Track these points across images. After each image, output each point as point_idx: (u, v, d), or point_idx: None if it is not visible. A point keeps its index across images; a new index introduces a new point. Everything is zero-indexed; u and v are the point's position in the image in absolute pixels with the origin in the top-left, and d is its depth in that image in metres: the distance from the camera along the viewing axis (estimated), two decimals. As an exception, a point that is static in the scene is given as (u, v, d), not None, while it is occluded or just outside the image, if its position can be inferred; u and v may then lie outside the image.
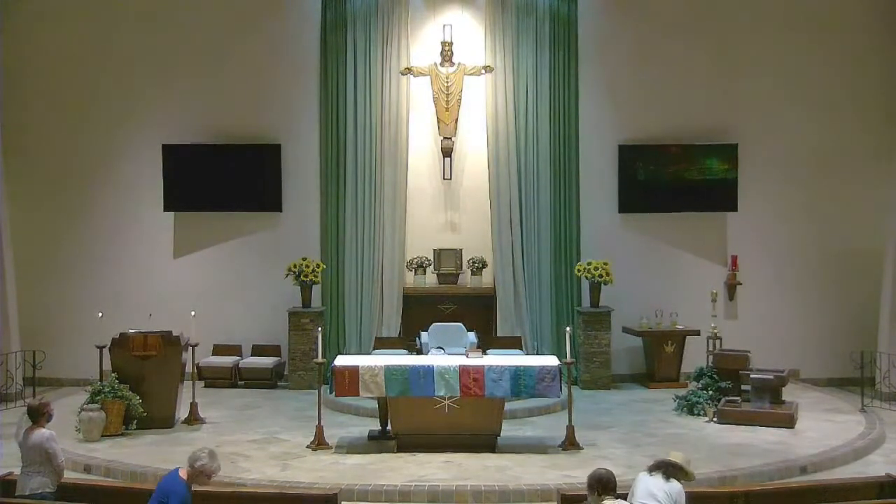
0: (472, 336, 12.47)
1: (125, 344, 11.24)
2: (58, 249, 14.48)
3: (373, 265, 14.25)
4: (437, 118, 14.27)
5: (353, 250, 14.27)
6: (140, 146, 14.51)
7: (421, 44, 14.40)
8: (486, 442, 10.28)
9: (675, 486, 6.21)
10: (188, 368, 11.78)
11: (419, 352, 12.41)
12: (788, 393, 12.02)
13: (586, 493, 6.10)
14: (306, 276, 13.68)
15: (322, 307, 14.06)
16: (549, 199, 14.25)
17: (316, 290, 14.02)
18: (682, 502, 6.24)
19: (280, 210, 14.46)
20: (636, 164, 14.53)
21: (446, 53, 14.20)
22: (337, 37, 14.27)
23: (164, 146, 14.31)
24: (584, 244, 14.31)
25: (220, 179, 14.35)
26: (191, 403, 11.58)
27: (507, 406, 10.96)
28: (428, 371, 10.22)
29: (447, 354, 11.12)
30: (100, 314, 11.49)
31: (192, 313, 11.53)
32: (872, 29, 14.39)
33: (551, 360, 10.70)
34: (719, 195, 14.42)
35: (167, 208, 14.41)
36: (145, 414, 11.01)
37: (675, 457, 6.42)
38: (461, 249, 14.33)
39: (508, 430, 10.84)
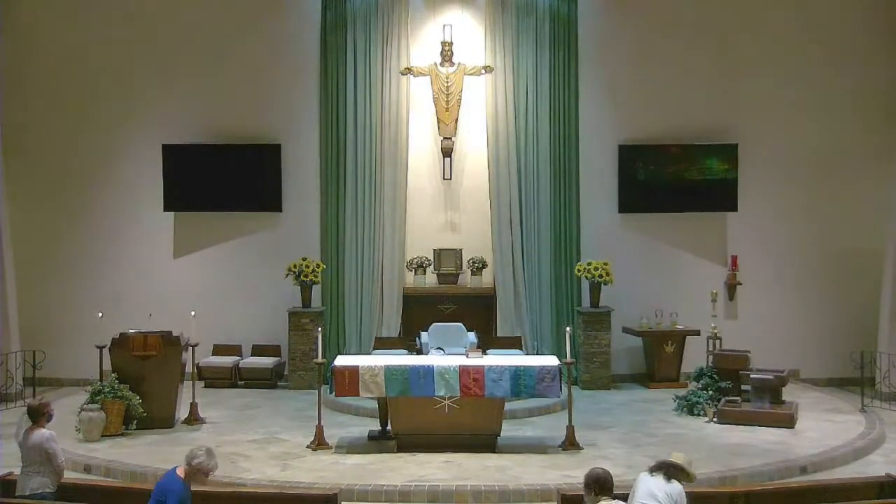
0: (472, 336, 12.46)
1: (125, 344, 11.24)
2: (58, 249, 14.48)
3: (373, 265, 14.25)
4: (437, 118, 14.27)
5: (353, 250, 14.27)
6: (140, 146, 14.51)
7: (421, 44, 14.40)
8: (486, 442, 10.28)
9: (676, 486, 6.20)
10: (188, 368, 11.78)
11: (419, 352, 12.41)
12: (788, 393, 12.02)
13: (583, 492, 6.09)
14: (306, 276, 13.68)
15: (322, 307, 14.06)
16: (549, 199, 14.25)
17: (316, 290, 14.03)
18: (683, 503, 6.23)
19: (280, 210, 14.46)
20: (636, 164, 14.53)
21: (446, 53, 14.20)
22: (337, 37, 14.27)
23: (164, 146, 14.31)
24: (584, 244, 14.31)
25: (220, 179, 14.36)
26: (191, 403, 11.58)
27: (507, 406, 10.96)
28: (428, 371, 10.22)
29: (447, 355, 11.12)
30: (100, 314, 11.50)
31: (192, 313, 11.54)
32: (872, 29, 14.39)
33: (551, 360, 10.70)
34: (719, 195, 14.42)
35: (167, 208, 14.42)
36: (145, 414, 11.01)
37: (677, 458, 6.41)
38: (461, 249, 14.33)
39: (508, 430, 10.84)
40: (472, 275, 14.25)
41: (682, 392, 12.34)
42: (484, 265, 14.25)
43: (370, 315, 14.20)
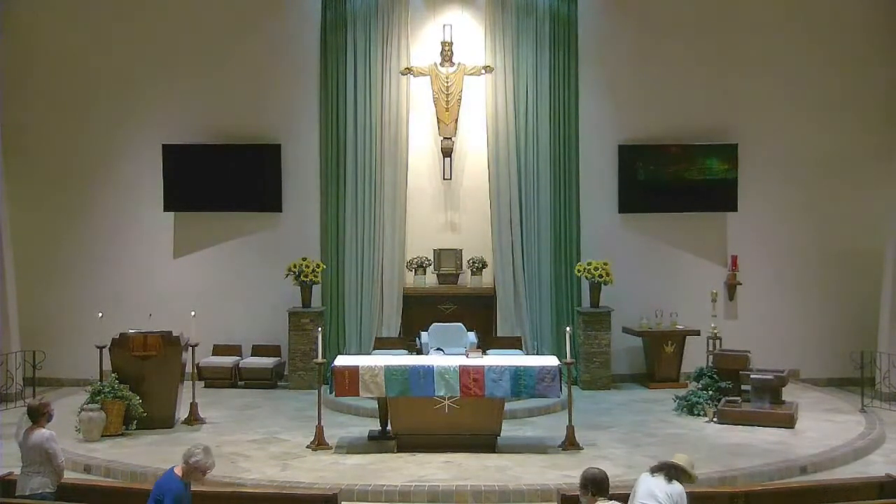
0: (472, 336, 12.45)
1: (125, 344, 11.24)
2: (58, 249, 14.48)
3: (373, 265, 14.24)
4: (437, 118, 14.27)
5: (353, 250, 14.27)
6: (140, 146, 14.51)
7: (421, 44, 14.40)
8: (486, 442, 10.28)
9: (677, 487, 6.20)
10: (188, 368, 11.78)
11: (419, 352, 12.41)
12: (788, 393, 12.02)
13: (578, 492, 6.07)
14: (306, 276, 13.68)
15: (322, 307, 14.06)
16: (549, 199, 14.25)
17: (316, 290, 14.02)
18: None
19: (280, 210, 14.46)
20: (636, 164, 14.53)
21: (446, 53, 14.19)
22: (337, 37, 14.27)
23: (164, 146, 14.31)
24: (584, 244, 14.31)
25: (220, 179, 14.35)
26: (191, 403, 11.58)
27: (507, 406, 10.96)
28: (428, 371, 10.22)
29: (447, 355, 11.11)
30: (100, 314, 11.50)
31: (192, 313, 11.53)
32: (872, 29, 14.39)
33: (551, 360, 10.71)
34: (719, 195, 14.41)
35: (167, 208, 14.42)
36: (145, 414, 11.01)
37: (679, 459, 6.41)
38: (461, 249, 14.33)
39: (508, 430, 10.84)
40: (472, 275, 14.25)
41: (682, 392, 12.34)
42: (484, 265, 14.24)
43: (370, 315, 14.20)
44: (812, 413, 11.98)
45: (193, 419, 11.54)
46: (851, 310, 14.17)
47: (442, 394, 10.22)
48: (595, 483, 5.92)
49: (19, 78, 14.25)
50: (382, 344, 13.40)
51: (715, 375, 12.07)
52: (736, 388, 11.88)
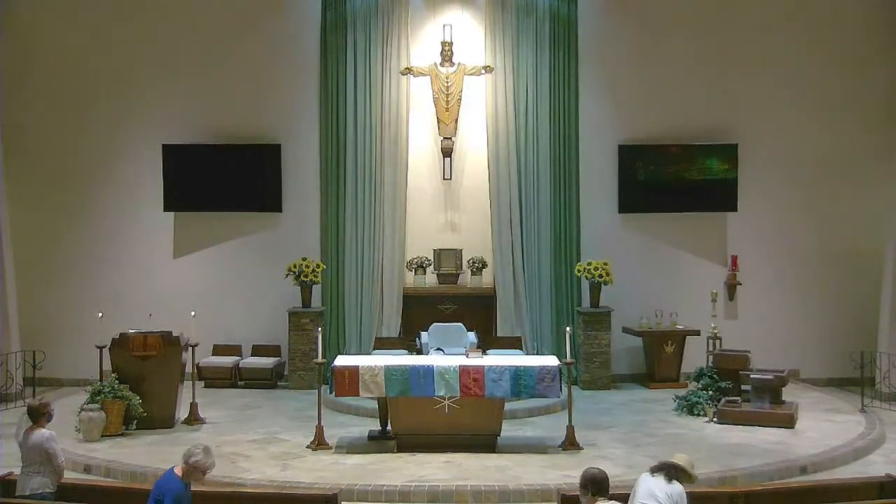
0: (472, 336, 12.46)
1: (125, 344, 11.24)
2: (58, 249, 14.48)
3: (373, 265, 14.24)
4: (437, 118, 14.27)
5: (353, 250, 14.27)
6: (140, 146, 14.51)
7: (421, 44, 14.40)
8: (486, 442, 10.28)
9: (677, 487, 6.20)
10: (188, 368, 11.78)
11: (419, 352, 12.41)
12: (788, 393, 12.02)
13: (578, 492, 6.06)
14: (306, 276, 13.68)
15: (322, 307, 14.06)
16: (549, 199, 14.25)
17: (316, 290, 14.03)
18: (683, 504, 6.24)
19: (280, 210, 14.46)
20: (636, 164, 14.53)
21: (446, 53, 14.19)
22: (337, 37, 14.27)
23: (164, 146, 14.31)
24: (584, 244, 14.31)
25: (220, 179, 14.36)
26: (191, 403, 11.58)
27: (507, 406, 10.96)
28: (428, 371, 10.22)
29: (446, 355, 11.11)
30: (100, 314, 11.50)
31: (192, 313, 11.53)
32: (872, 29, 14.39)
33: (551, 361, 10.71)
34: (719, 195, 14.41)
35: (167, 208, 14.41)
36: (145, 414, 11.01)
37: (679, 459, 6.41)
38: (461, 249, 14.33)
39: (508, 430, 10.84)
40: (472, 275, 14.25)
41: (682, 392, 12.34)
42: (484, 265, 14.24)
43: (370, 315, 14.19)
44: (812, 413, 11.98)
45: (193, 419, 11.54)
46: (851, 310, 14.17)
47: (442, 394, 10.22)
48: (595, 483, 5.92)
49: (19, 78, 14.25)
50: (382, 344, 13.40)
51: (715, 375, 12.07)
52: (736, 388, 11.88)
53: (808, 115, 14.42)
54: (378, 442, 10.54)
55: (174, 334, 11.43)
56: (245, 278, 14.46)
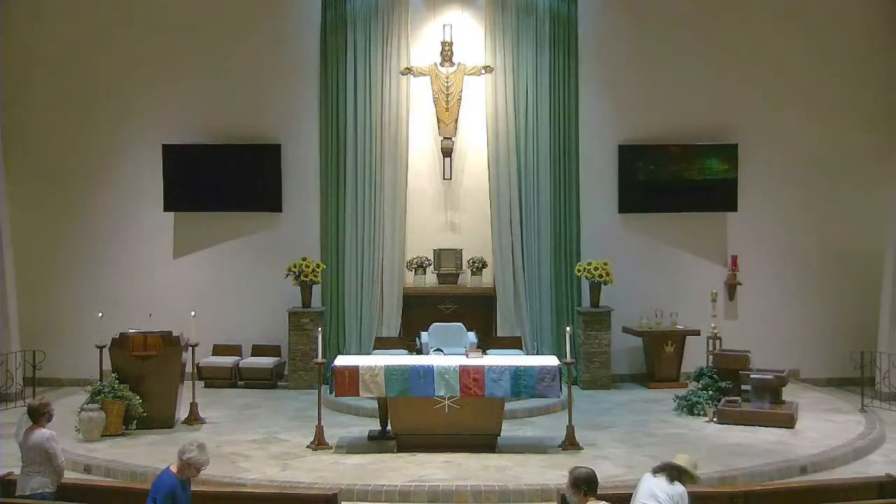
0: (472, 336, 12.46)
1: (125, 344, 11.24)
2: (58, 249, 14.48)
3: (373, 265, 14.24)
4: (437, 118, 14.27)
5: (353, 250, 14.27)
6: (140, 146, 14.51)
7: (421, 44, 14.40)
8: (486, 442, 10.28)
9: (678, 488, 6.20)
10: (188, 368, 11.78)
11: (419, 352, 12.42)
12: (788, 393, 12.02)
13: (568, 491, 6.04)
14: (306, 276, 13.68)
15: (322, 307, 14.06)
16: (549, 199, 14.25)
17: (316, 290, 14.03)
18: (685, 504, 6.24)
19: (280, 210, 14.46)
20: (636, 164, 14.53)
21: (446, 53, 14.19)
22: (337, 37, 14.27)
23: (164, 146, 14.31)
24: (584, 244, 14.31)
25: (220, 179, 14.36)
26: (191, 403, 11.58)
27: (507, 406, 10.96)
28: (428, 371, 10.22)
29: (446, 355, 11.11)
30: (100, 314, 11.50)
31: (192, 313, 11.54)
32: (872, 29, 14.39)
33: (551, 360, 10.71)
34: (719, 195, 14.42)
35: (167, 208, 14.41)
36: (145, 414, 11.01)
37: (681, 460, 6.41)
38: (461, 249, 14.33)
39: (508, 430, 10.84)
40: (472, 275, 14.25)
41: (682, 392, 12.34)
42: (484, 265, 14.24)
43: (370, 315, 14.19)
44: (812, 413, 11.98)
45: (193, 419, 11.54)
46: (851, 310, 14.18)
47: (442, 394, 10.22)
48: (588, 482, 5.95)
49: (19, 78, 14.25)
50: (382, 344, 13.39)
51: (715, 375, 12.07)
52: (736, 388, 11.89)
53: (808, 115, 14.42)
54: (378, 442, 10.55)
55: (174, 334, 11.43)
56: (245, 278, 14.46)
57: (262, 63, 14.45)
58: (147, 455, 9.99)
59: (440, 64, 14.22)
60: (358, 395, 10.55)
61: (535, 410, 12.11)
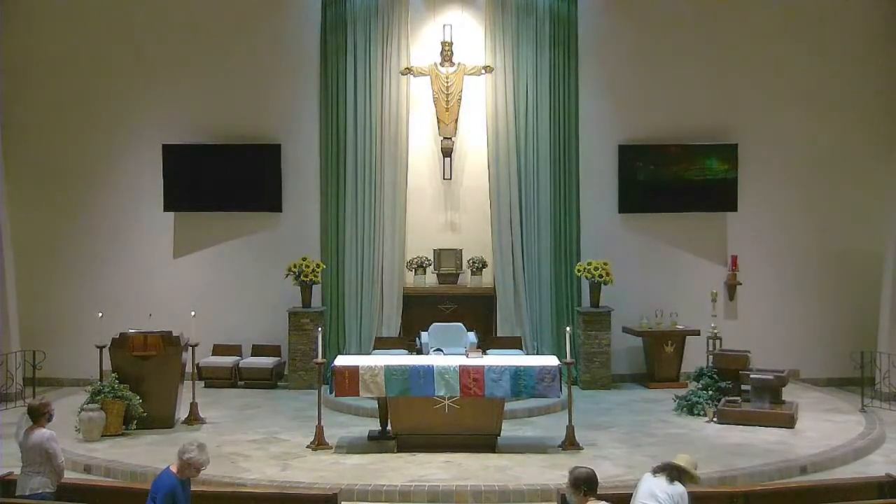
0: (472, 336, 12.46)
1: (125, 344, 11.24)
2: (58, 249, 14.47)
3: (373, 265, 14.24)
4: (437, 118, 14.27)
5: (353, 250, 14.27)
6: (140, 146, 14.51)
7: (421, 44, 14.40)
8: (486, 442, 10.28)
9: (678, 488, 6.20)
10: (188, 368, 11.78)
11: (419, 352, 12.42)
12: (788, 393, 12.02)
13: (568, 491, 6.04)
14: (306, 276, 13.68)
15: (322, 307, 14.06)
16: (549, 199, 14.25)
17: (316, 290, 14.03)
18: (685, 504, 6.24)
19: (280, 210, 14.46)
20: (636, 164, 14.53)
21: (446, 53, 14.19)
22: (337, 37, 14.27)
23: (164, 146, 14.31)
24: (584, 244, 14.31)
25: (220, 179, 14.36)
26: (191, 403, 11.58)
27: (507, 406, 10.96)
28: (428, 371, 10.22)
29: (446, 355, 11.11)
30: (100, 314, 11.50)
31: (192, 313, 11.54)
32: (872, 29, 14.40)
33: (551, 360, 10.71)
34: (719, 195, 14.42)
35: (167, 208, 14.42)
36: (145, 414, 11.01)
37: (681, 460, 6.41)
38: (461, 249, 14.33)
39: (508, 430, 10.84)
40: (472, 275, 14.25)
41: (682, 392, 12.34)
42: (484, 265, 14.24)
43: (370, 315, 14.19)
44: (812, 413, 11.98)
45: (193, 419, 11.54)
46: (851, 310, 14.18)
47: (442, 394, 10.22)
48: (588, 482, 5.95)
49: (19, 78, 14.25)
50: (382, 344, 13.39)
51: (715, 375, 12.07)
52: (736, 388, 11.88)
53: (808, 115, 14.42)
54: (378, 442, 10.55)
55: (174, 334, 11.43)
56: (245, 278, 14.46)
57: (262, 63, 14.45)
58: (147, 455, 9.99)
59: (440, 64, 14.22)
60: (358, 395, 10.55)
61: (535, 410, 12.11)
